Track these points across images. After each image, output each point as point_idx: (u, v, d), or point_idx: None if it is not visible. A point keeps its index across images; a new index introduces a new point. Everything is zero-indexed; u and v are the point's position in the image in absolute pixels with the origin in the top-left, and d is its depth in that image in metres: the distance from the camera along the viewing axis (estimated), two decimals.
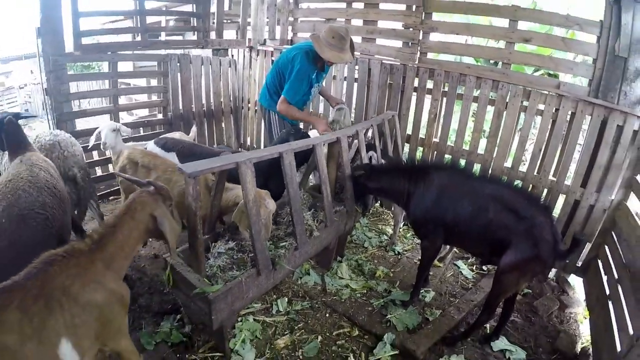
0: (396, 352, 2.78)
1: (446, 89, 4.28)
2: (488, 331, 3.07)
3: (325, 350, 2.78)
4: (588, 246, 3.71)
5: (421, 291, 3.37)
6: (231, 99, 5.91)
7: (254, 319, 2.91)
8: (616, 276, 3.03)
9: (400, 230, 4.39)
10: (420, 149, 4.62)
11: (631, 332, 2.44)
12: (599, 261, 3.52)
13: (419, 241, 4.02)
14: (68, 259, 1.73)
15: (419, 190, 3.02)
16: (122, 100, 5.07)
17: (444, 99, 4.32)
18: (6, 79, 16.38)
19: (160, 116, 5.36)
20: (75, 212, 3.41)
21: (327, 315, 3.12)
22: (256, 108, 5.87)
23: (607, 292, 3.08)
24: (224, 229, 3.00)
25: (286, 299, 3.19)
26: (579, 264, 3.79)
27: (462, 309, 3.24)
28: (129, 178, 2.43)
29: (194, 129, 4.79)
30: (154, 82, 5.33)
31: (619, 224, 3.35)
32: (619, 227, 3.31)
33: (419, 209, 3.01)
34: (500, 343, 2.97)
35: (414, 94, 4.47)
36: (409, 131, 4.61)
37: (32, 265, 1.66)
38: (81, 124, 4.89)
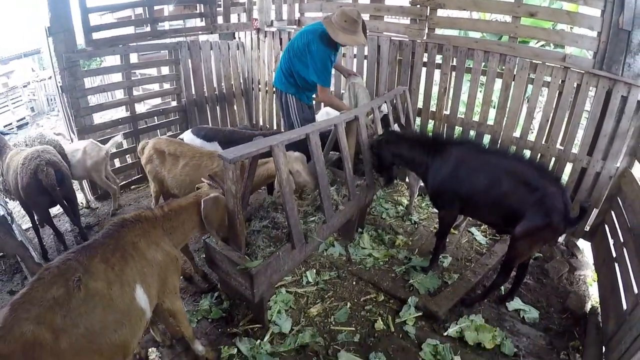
0: (420, 313, 3.14)
1: (455, 63, 4.51)
2: (503, 293, 3.42)
3: (354, 315, 3.15)
4: (595, 212, 4.01)
5: (439, 257, 3.71)
6: (241, 81, 6.16)
7: (287, 291, 3.26)
8: (622, 239, 3.31)
9: (416, 200, 4.71)
10: (431, 121, 4.88)
11: (636, 291, 2.73)
12: (606, 226, 3.80)
13: (434, 210, 4.41)
14: (136, 223, 2.17)
15: (437, 162, 3.29)
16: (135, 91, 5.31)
17: (453, 73, 4.56)
18: (8, 79, 16.76)
19: (174, 103, 5.63)
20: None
21: (354, 283, 3.48)
22: (267, 89, 6.12)
23: (614, 254, 3.37)
24: (255, 208, 3.31)
25: (314, 270, 3.55)
26: (587, 228, 4.10)
27: (478, 273, 3.59)
28: (217, 182, 2.77)
29: (112, 140, 4.69)
30: (164, 71, 5.57)
31: (624, 190, 3.61)
32: (624, 193, 3.58)
33: (437, 180, 3.30)
34: (515, 303, 3.33)
35: (424, 68, 4.70)
36: (419, 105, 4.89)
37: (108, 227, 2.10)
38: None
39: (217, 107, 5.94)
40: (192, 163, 3.42)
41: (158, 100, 6.30)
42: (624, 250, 3.17)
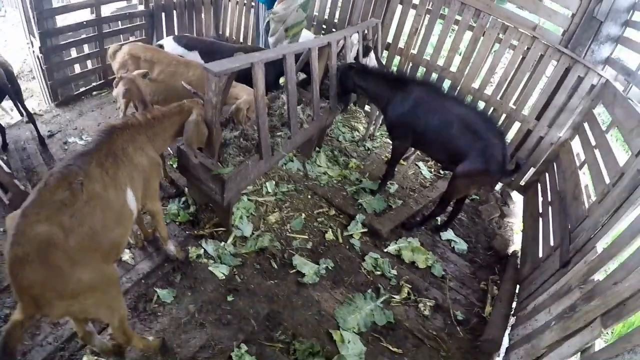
0: (365, 230, 3.70)
1: (431, 7, 4.83)
2: (439, 223, 4.05)
3: (308, 225, 3.64)
4: (532, 170, 4.68)
5: (387, 183, 4.25)
6: None
7: (248, 199, 3.66)
8: (549, 199, 3.96)
9: (372, 129, 5.19)
10: (398, 58, 5.26)
11: (552, 243, 3.38)
12: (539, 185, 4.46)
13: (387, 140, 4.96)
14: (124, 129, 2.38)
15: (398, 97, 3.71)
16: None
17: (427, 16, 4.89)
18: None
19: (141, 7, 5.53)
20: None
21: (309, 197, 3.97)
22: (237, 0, 6.14)
23: (540, 210, 4.05)
24: (226, 119, 3.57)
25: (274, 182, 3.96)
26: (522, 183, 4.78)
27: (420, 202, 4.21)
28: (195, 92, 2.96)
29: None
30: None
31: (561, 158, 4.23)
32: (561, 160, 4.19)
33: (396, 114, 3.74)
34: (448, 234, 3.98)
35: (400, 6, 5.00)
36: (389, 40, 5.23)
37: (98, 134, 2.30)
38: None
39: (185, 14, 5.92)
40: (167, 70, 3.57)
41: (123, 4, 6.09)
42: (549, 208, 3.82)
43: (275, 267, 3.20)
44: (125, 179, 2.29)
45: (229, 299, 2.89)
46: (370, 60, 4.47)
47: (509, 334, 2.99)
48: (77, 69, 5.38)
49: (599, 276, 2.47)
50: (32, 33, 4.67)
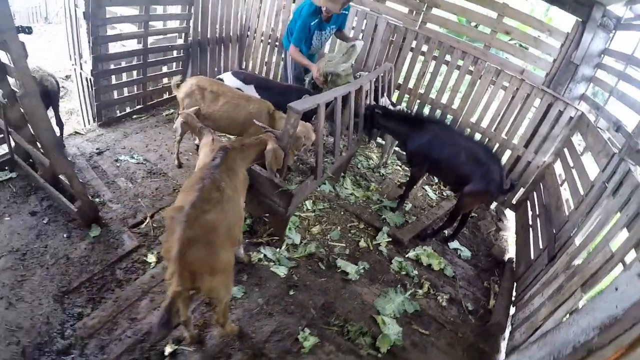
0: (390, 239, 4.57)
1: (436, 54, 5.84)
2: (447, 235, 4.94)
3: (344, 235, 4.47)
4: (522, 190, 5.66)
5: (404, 202, 5.14)
6: (238, 27, 6.94)
7: (294, 215, 4.47)
8: (537, 212, 4.93)
9: (384, 158, 6.12)
10: (407, 96, 6.27)
11: (540, 245, 4.32)
12: (528, 202, 5.45)
13: (397, 167, 6.03)
14: (232, 151, 3.13)
15: (416, 133, 4.62)
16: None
17: (433, 62, 5.91)
18: None
19: (180, 41, 6.35)
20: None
21: (342, 213, 4.81)
22: (262, 39, 7.03)
23: (530, 222, 5.01)
24: None
25: (312, 201, 4.78)
26: (514, 202, 5.76)
27: (430, 218, 5.12)
28: (266, 128, 3.67)
29: None
30: (171, 10, 6.13)
31: (546, 178, 5.24)
32: (546, 181, 5.19)
33: (415, 147, 4.64)
34: (454, 244, 4.88)
35: (410, 52, 6.00)
36: (400, 81, 6.24)
37: (218, 152, 3.01)
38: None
39: (216, 49, 6.74)
40: (231, 102, 4.30)
41: (160, 37, 6.82)
42: (537, 220, 4.79)
43: (323, 268, 3.98)
44: (239, 188, 3.01)
45: (291, 293, 3.62)
46: (385, 100, 5.39)
47: (511, 321, 3.85)
48: (126, 92, 5.98)
49: (578, 261, 3.39)
50: (79, 55, 5.26)
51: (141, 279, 3.43)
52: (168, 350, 2.93)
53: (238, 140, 3.42)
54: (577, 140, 5.19)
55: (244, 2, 6.87)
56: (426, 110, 6.14)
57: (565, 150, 5.06)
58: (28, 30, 3.45)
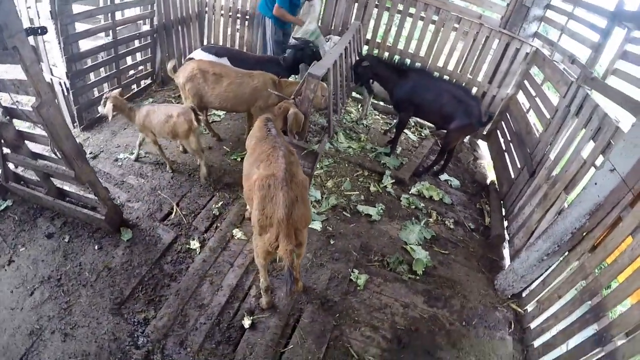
0: (393, 180, 5.27)
1: (401, 8, 6.41)
2: (436, 169, 5.72)
3: (355, 184, 5.10)
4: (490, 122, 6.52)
5: (396, 146, 5.84)
6: (196, 4, 7.04)
7: None
8: (509, 139, 5.81)
9: (366, 109, 6.74)
10: (376, 50, 6.84)
11: (518, 165, 5.17)
12: (498, 131, 6.34)
13: (376, 117, 6.75)
14: (274, 120, 3.58)
15: (402, 80, 5.25)
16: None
17: (398, 15, 6.49)
18: None
19: (146, 27, 6.40)
20: None
21: (347, 165, 5.44)
22: (222, 12, 7.18)
23: (504, 148, 5.89)
24: None
25: None
26: (485, 132, 6.64)
27: (418, 157, 5.90)
28: (282, 96, 4.12)
29: None
30: None
31: (511, 108, 6.11)
32: (511, 110, 6.07)
33: (401, 93, 5.28)
34: (444, 176, 5.69)
35: (375, 9, 6.54)
36: (368, 36, 6.80)
37: (264, 123, 3.42)
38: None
39: (179, 30, 6.84)
40: (235, 81, 4.56)
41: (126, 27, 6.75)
42: (510, 145, 5.66)
43: (349, 215, 4.61)
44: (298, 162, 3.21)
45: (331, 242, 4.18)
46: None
47: (507, 232, 4.74)
48: (95, 93, 5.80)
49: (556, 172, 4.23)
50: (54, 58, 4.91)
51: (194, 266, 3.59)
52: (247, 323, 3.19)
53: (271, 111, 3.85)
54: (535, 73, 6.04)
55: None
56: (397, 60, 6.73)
57: (526, 82, 5.91)
58: (41, 31, 2.92)
